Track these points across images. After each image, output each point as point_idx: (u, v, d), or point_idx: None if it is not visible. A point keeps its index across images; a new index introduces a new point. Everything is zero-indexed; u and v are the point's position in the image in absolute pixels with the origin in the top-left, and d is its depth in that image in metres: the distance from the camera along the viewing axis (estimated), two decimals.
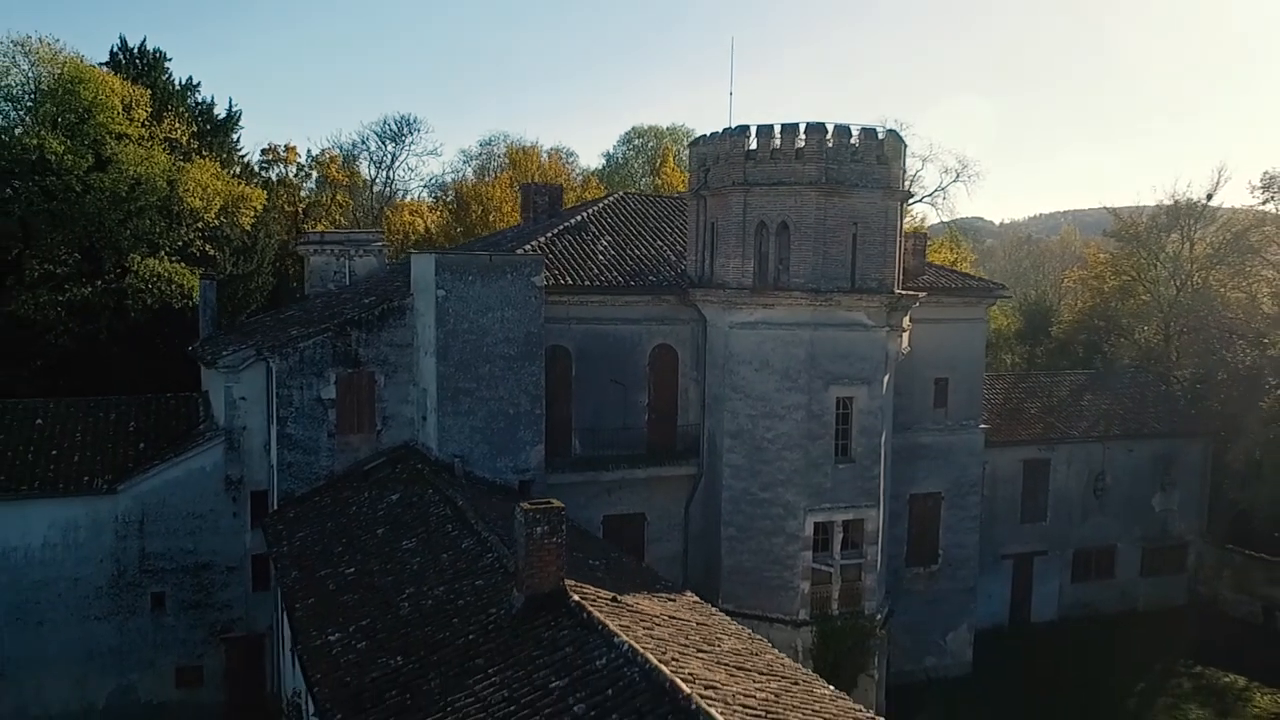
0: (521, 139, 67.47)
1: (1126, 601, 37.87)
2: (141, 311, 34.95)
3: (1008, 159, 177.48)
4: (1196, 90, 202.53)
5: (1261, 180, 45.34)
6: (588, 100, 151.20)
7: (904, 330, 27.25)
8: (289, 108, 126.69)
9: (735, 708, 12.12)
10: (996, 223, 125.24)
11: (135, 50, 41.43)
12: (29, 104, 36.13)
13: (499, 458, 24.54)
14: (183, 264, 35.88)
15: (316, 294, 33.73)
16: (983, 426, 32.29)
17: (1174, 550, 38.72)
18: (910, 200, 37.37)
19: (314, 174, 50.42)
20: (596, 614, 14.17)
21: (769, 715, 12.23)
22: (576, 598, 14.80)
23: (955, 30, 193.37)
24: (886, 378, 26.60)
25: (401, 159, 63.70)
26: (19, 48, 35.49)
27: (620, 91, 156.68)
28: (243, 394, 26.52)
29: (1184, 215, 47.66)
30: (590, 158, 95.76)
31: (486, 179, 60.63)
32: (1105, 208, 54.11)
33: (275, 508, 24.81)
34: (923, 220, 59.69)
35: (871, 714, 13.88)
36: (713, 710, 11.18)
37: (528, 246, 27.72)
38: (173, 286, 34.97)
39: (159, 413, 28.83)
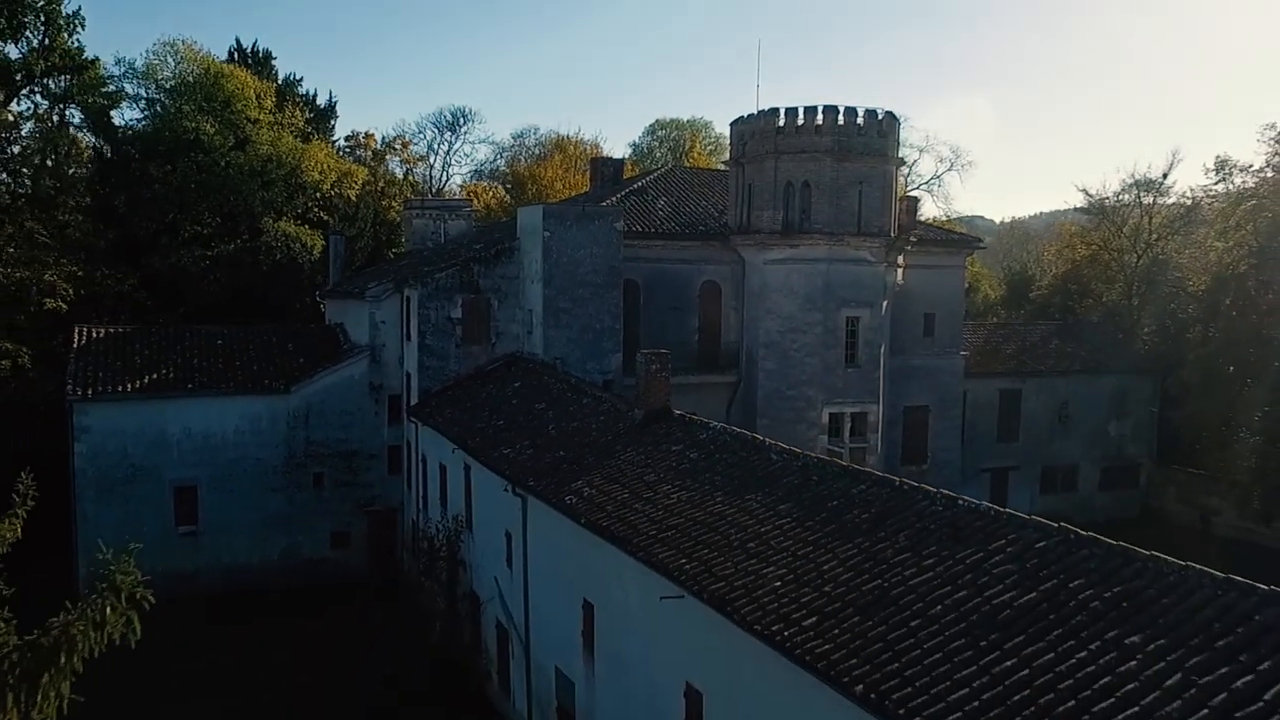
0: (555, 131, 74.75)
1: (1087, 512, 44.71)
2: (272, 265, 42.42)
3: (1008, 159, 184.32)
4: (1189, 86, 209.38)
5: (1215, 163, 52.62)
6: (606, 95, 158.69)
7: (899, 267, 34.79)
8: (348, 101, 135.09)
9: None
10: (998, 221, 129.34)
11: (248, 50, 49.02)
12: (173, 94, 43.70)
13: (588, 362, 31.98)
14: (306, 226, 43.43)
15: (416, 250, 41.13)
16: (963, 354, 39.74)
17: (1127, 469, 45.73)
18: (903, 168, 44.37)
19: (388, 157, 57.95)
20: (695, 418, 21.71)
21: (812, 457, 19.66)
22: (679, 412, 22.32)
23: (956, 29, 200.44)
24: (885, 303, 34.14)
25: (457, 146, 71.05)
26: (169, 49, 43.15)
27: (636, 87, 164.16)
28: (383, 319, 34.12)
29: (1143, 192, 54.84)
30: (610, 148, 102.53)
31: (524, 161, 68.00)
32: (1076, 186, 60.98)
33: (416, 401, 32.26)
34: (919, 204, 66.58)
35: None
36: (780, 445, 18.69)
37: (604, 203, 35.18)
38: (297, 244, 42.46)
39: (308, 337, 36.39)
